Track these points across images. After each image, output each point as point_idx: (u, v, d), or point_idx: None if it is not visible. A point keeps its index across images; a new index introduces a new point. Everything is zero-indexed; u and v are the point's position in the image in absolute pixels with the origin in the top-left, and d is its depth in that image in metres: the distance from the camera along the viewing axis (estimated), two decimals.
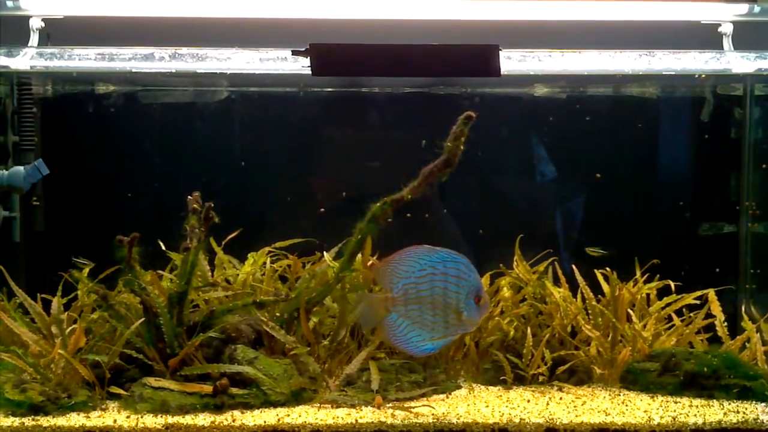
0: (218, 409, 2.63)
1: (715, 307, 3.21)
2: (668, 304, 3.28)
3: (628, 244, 3.70)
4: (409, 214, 3.40)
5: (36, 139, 3.58)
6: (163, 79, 3.62)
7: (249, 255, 3.31)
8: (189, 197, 2.88)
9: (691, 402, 2.84)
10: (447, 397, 2.89)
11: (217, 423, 2.53)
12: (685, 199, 3.82)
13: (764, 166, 3.70)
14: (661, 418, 2.63)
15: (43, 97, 3.66)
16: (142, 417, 2.56)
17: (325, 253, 3.23)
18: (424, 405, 2.69)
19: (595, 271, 3.31)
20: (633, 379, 3.05)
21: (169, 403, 2.61)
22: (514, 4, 3.39)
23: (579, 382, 3.09)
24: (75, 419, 2.55)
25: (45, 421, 2.52)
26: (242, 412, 2.63)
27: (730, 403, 2.81)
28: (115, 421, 2.53)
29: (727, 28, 3.46)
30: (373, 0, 3.37)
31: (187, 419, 2.54)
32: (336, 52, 3.09)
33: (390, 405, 2.71)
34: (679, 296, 3.26)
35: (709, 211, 3.82)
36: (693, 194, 3.84)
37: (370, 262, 3.10)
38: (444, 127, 2.80)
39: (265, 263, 3.30)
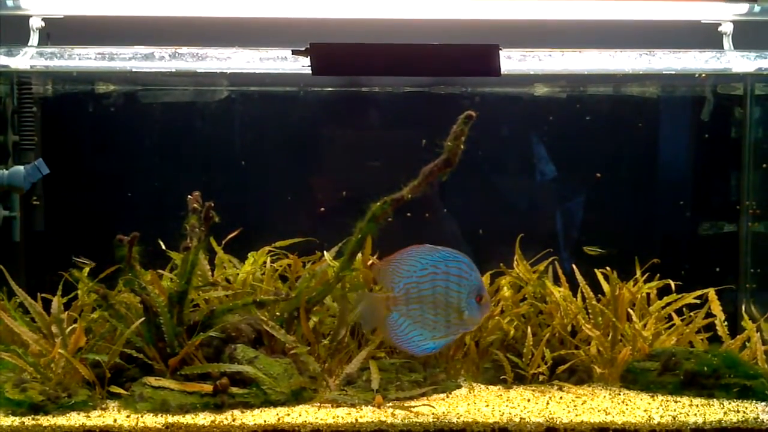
0: (218, 408, 2.63)
1: (715, 307, 3.21)
2: (668, 304, 3.28)
3: (628, 243, 3.70)
4: (409, 214, 3.40)
5: (36, 139, 3.57)
6: (164, 78, 3.62)
7: (249, 254, 3.32)
8: (189, 196, 2.88)
9: (691, 401, 2.84)
10: (447, 397, 2.89)
11: (217, 422, 2.53)
12: (685, 198, 3.82)
13: (764, 165, 3.70)
14: (661, 417, 2.63)
15: (43, 97, 3.66)
16: (142, 416, 2.56)
17: (325, 252, 3.24)
18: (424, 404, 2.69)
19: (596, 270, 3.32)
20: (633, 379, 3.05)
21: (169, 403, 2.61)
22: (514, 3, 3.39)
23: (579, 382, 3.09)
24: (75, 419, 2.55)
25: (45, 420, 2.52)
26: (242, 412, 2.63)
27: (730, 403, 2.81)
28: (115, 420, 2.53)
29: (727, 28, 3.46)
30: (373, 0, 3.37)
31: (187, 418, 2.54)
32: (336, 52, 3.09)
33: (390, 404, 2.71)
34: (680, 296, 3.26)
35: (709, 211, 3.82)
36: (693, 193, 3.84)
37: (370, 262, 3.10)
38: (444, 127, 2.80)
39: (265, 262, 3.30)
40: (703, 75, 3.61)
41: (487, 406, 2.75)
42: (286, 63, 3.30)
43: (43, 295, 3.06)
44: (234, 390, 2.68)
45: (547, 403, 2.79)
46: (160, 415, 2.57)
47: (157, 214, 3.70)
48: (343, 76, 3.66)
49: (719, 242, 3.77)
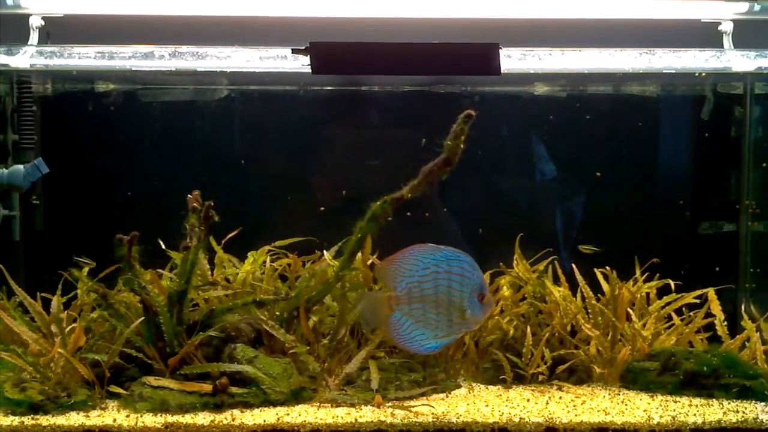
0: (218, 408, 2.63)
1: (715, 306, 3.21)
2: (668, 303, 3.28)
3: (627, 242, 3.70)
4: (409, 213, 3.40)
5: (36, 138, 3.57)
6: (163, 77, 3.62)
7: (249, 254, 3.32)
8: (189, 196, 2.88)
9: (690, 401, 2.84)
10: (447, 397, 2.88)
11: (216, 422, 2.53)
12: (684, 197, 3.82)
13: (764, 164, 3.70)
14: (661, 417, 2.63)
15: (42, 96, 3.66)
16: (141, 416, 2.56)
17: (325, 251, 3.23)
18: (423, 404, 2.69)
19: (595, 270, 3.32)
20: (632, 379, 3.05)
21: (168, 402, 2.61)
22: (514, 2, 3.38)
23: (578, 382, 3.09)
24: (74, 418, 2.55)
25: (44, 420, 2.52)
26: (242, 411, 2.63)
27: (729, 403, 2.81)
28: (114, 420, 2.53)
29: (727, 27, 3.46)
30: None
31: (187, 418, 2.54)
32: (336, 51, 3.08)
33: (390, 404, 2.71)
34: (679, 295, 3.26)
35: (708, 210, 3.81)
36: (693, 193, 3.84)
37: (370, 261, 3.10)
38: (444, 126, 2.80)
39: (264, 262, 3.30)
40: (703, 74, 3.61)
41: (487, 405, 2.75)
42: (286, 62, 3.30)
43: (43, 294, 3.06)
44: (233, 389, 2.68)
45: (547, 403, 2.79)
46: (159, 414, 2.57)
47: (157, 213, 3.71)
48: (343, 75, 3.65)
49: (719, 242, 3.77)
